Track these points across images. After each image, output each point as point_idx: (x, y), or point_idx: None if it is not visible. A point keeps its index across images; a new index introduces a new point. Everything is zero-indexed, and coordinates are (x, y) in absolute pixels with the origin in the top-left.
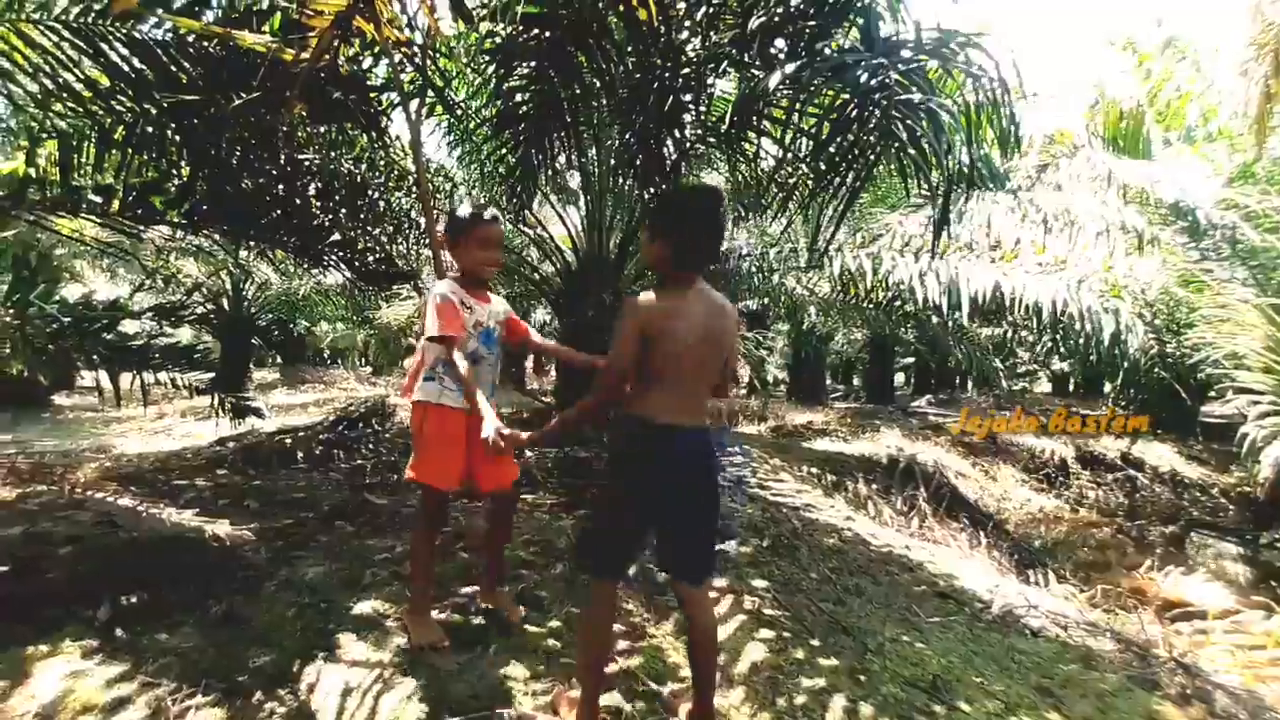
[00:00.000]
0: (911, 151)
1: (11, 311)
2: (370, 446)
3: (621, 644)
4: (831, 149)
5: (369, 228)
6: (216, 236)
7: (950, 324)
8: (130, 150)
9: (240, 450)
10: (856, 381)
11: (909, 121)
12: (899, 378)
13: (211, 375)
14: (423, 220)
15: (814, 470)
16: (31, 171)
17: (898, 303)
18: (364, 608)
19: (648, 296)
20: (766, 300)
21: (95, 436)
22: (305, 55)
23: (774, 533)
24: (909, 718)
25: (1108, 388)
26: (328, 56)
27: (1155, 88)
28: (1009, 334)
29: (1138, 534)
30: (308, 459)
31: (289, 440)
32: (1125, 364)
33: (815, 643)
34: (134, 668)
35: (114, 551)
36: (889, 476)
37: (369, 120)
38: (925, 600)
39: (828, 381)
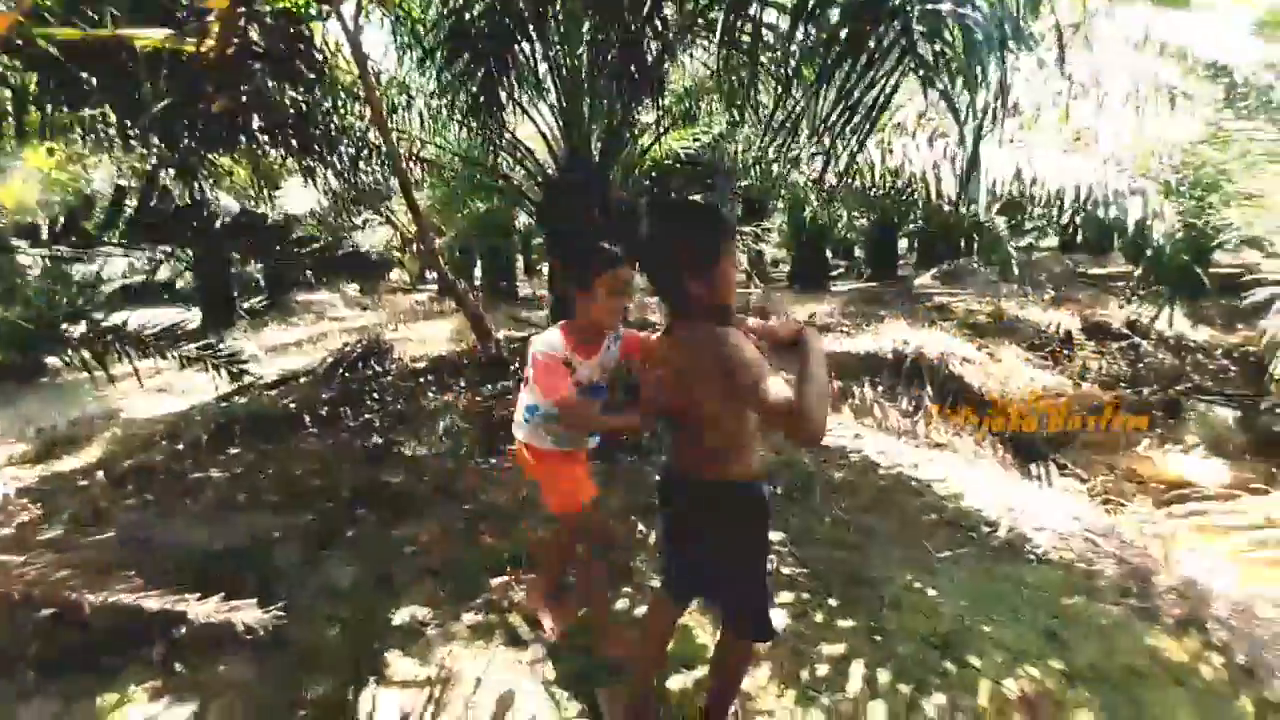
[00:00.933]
0: (939, 84)
1: None
2: (374, 396)
3: None
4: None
5: (325, 154)
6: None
7: (965, 214)
8: None
9: (247, 420)
10: (859, 253)
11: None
12: (902, 243)
13: (197, 316)
14: (381, 140)
15: None
16: None
17: (909, 192)
18: (403, 616)
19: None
20: (765, 191)
21: (99, 400)
22: (208, 45)
23: (787, 477)
24: (924, 680)
25: (1118, 242)
26: (236, 40)
27: None
28: (1023, 215)
29: (1139, 406)
30: (315, 421)
31: (293, 403)
32: (1149, 251)
33: (833, 602)
34: (201, 710)
35: (150, 576)
36: (895, 375)
37: (304, 59)
38: (936, 532)
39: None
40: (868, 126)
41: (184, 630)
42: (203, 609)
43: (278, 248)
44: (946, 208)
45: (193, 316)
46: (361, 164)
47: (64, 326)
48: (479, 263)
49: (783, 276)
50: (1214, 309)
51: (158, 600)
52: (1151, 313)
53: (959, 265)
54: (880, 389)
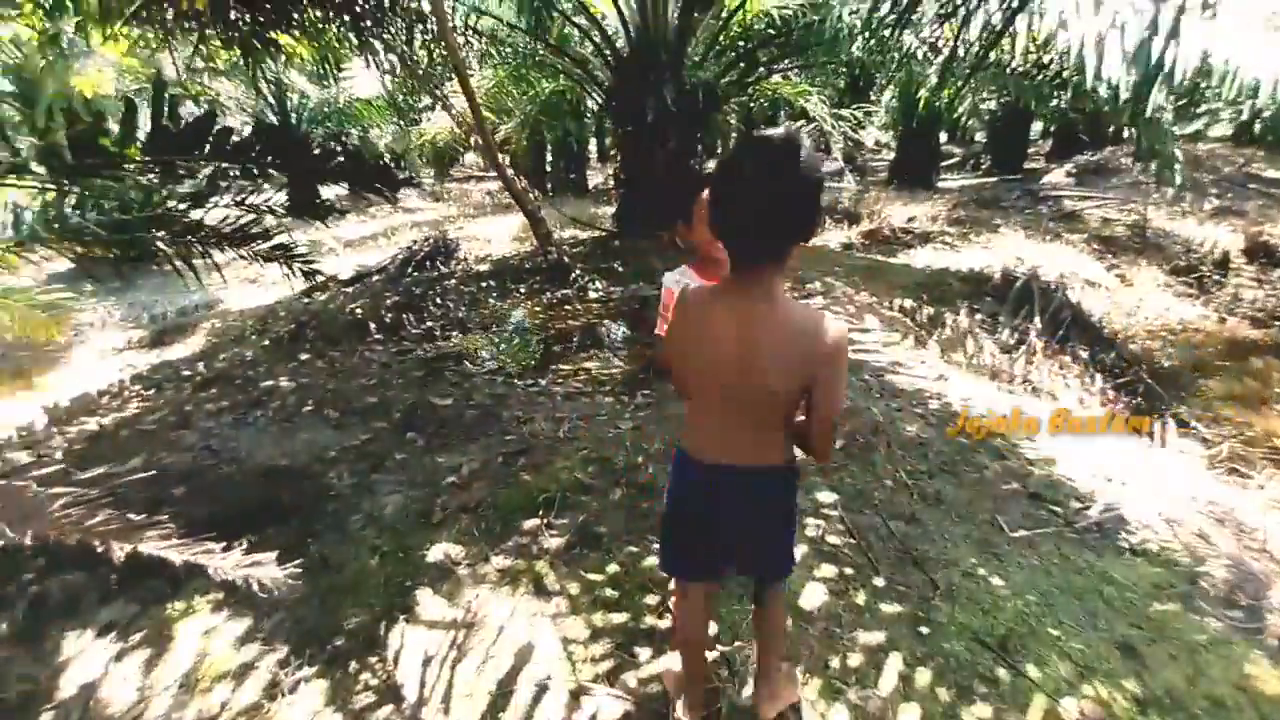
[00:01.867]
0: None
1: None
2: (437, 300)
3: None
4: None
5: (376, 28)
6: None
7: (1127, 101)
8: None
9: (319, 324)
10: (979, 140)
11: None
12: (1035, 126)
13: (286, 202)
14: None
15: (908, 303)
16: None
17: (1059, 71)
18: (436, 554)
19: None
20: (870, 64)
21: (203, 289)
22: None
23: (849, 429)
24: (968, 686)
25: None
26: None
27: None
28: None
29: None
30: (380, 327)
31: (360, 309)
32: None
33: (879, 582)
34: (253, 627)
35: (221, 490)
36: (1000, 300)
37: None
38: (1013, 504)
39: (942, 145)
40: None
41: (244, 543)
42: (224, 563)
43: (293, 163)
44: (1104, 92)
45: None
46: (416, 39)
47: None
48: (548, 150)
49: (883, 166)
50: None
51: (180, 552)
52: None
53: (1101, 160)
54: (979, 317)
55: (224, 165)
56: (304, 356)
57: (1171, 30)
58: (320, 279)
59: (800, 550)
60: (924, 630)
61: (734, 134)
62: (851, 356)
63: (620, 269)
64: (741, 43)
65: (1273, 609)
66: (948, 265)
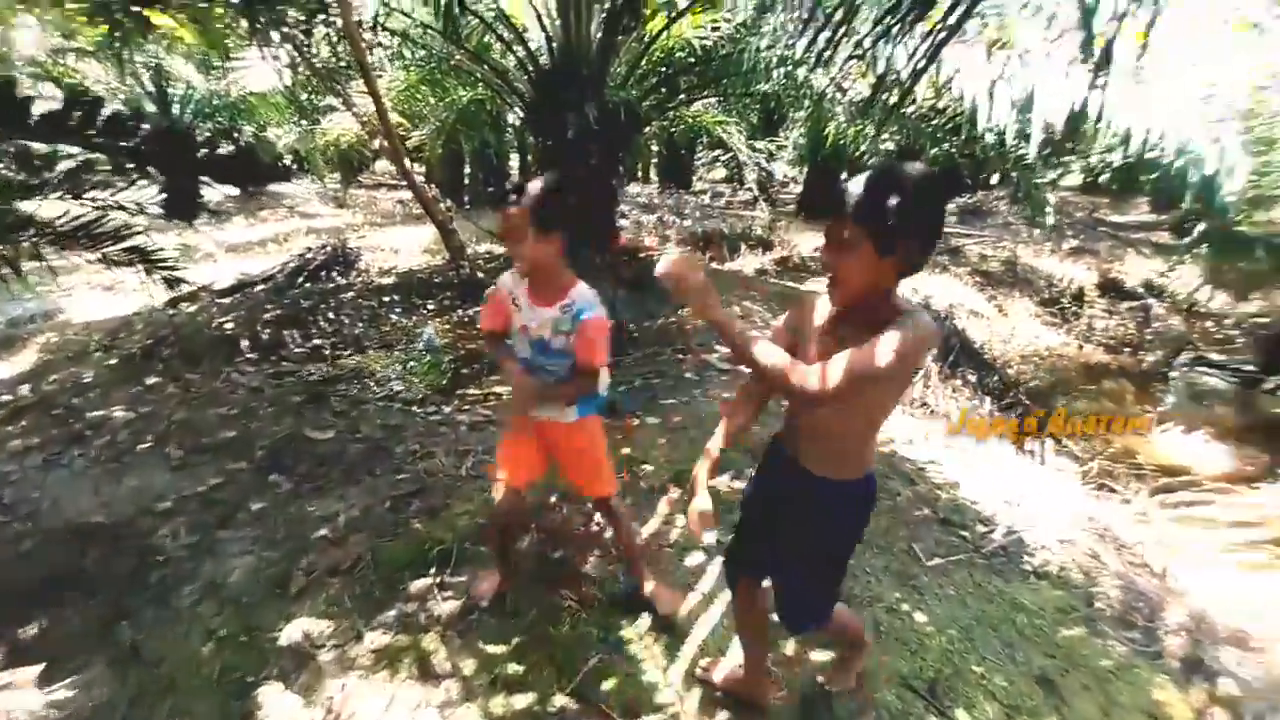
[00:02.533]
0: None
1: None
2: (330, 315)
3: (594, 659)
4: None
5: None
6: None
7: (1009, 148)
8: None
9: (179, 340)
10: None
11: None
12: None
13: (163, 196)
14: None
15: None
16: None
17: (953, 117)
18: (292, 634)
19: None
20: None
21: (41, 297)
22: None
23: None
24: None
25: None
26: None
27: None
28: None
29: (1140, 377)
30: (254, 345)
31: (233, 324)
32: (1209, 213)
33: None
34: None
35: (14, 559)
36: None
37: None
38: (925, 530)
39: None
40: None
41: (33, 631)
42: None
43: (173, 157)
44: (991, 138)
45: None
46: (318, 30)
47: None
48: (465, 161)
49: (791, 199)
50: (1231, 271)
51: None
52: (1170, 271)
53: (977, 202)
54: None
55: (91, 156)
56: (152, 380)
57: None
58: (188, 288)
59: (726, 596)
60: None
61: (654, 158)
62: None
63: None
64: (663, 68)
65: (1167, 629)
66: None
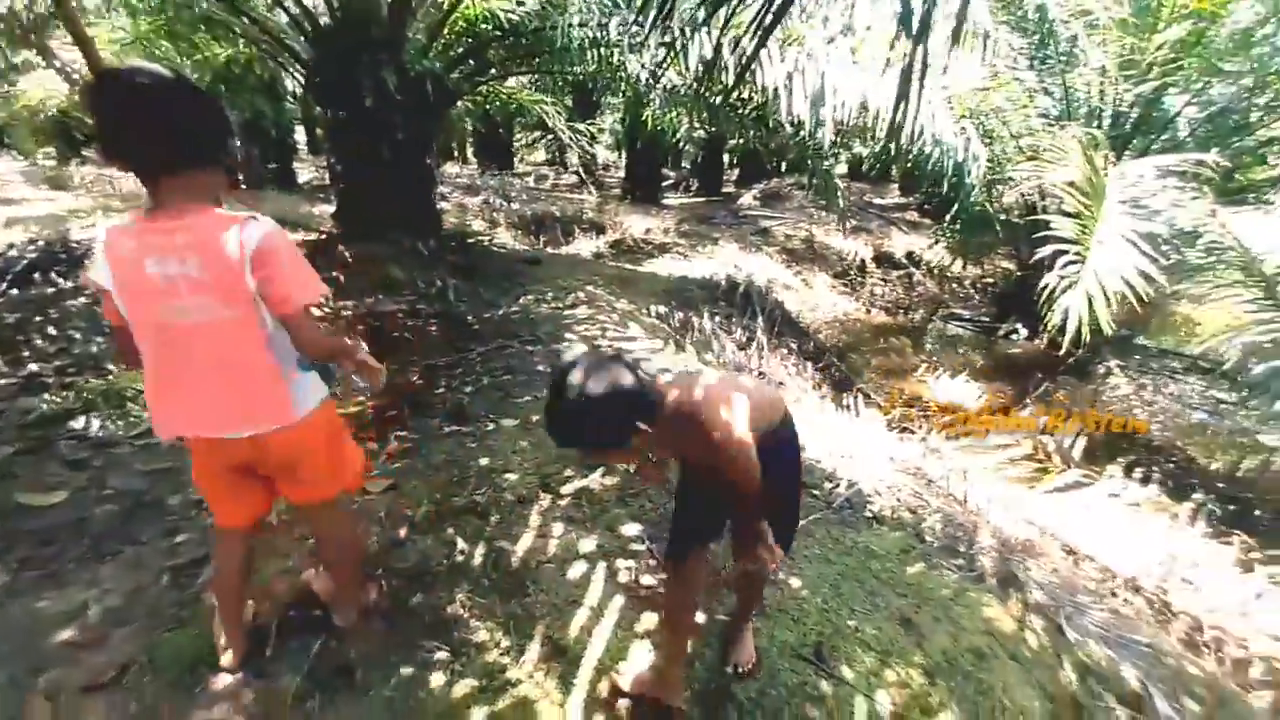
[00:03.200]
0: None
1: None
2: (52, 329)
3: (477, 717)
4: None
5: None
6: None
7: (807, 139)
8: None
9: None
10: (685, 165)
11: None
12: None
13: None
14: None
15: (662, 310)
16: None
17: (756, 106)
18: None
19: None
20: (600, 81)
21: None
22: None
23: None
24: (800, 711)
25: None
26: None
27: None
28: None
29: (913, 333)
30: None
31: None
32: (961, 192)
33: (700, 617)
34: None
35: None
36: (729, 303)
37: None
38: None
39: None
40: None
41: None
42: None
43: None
44: (789, 127)
45: None
46: None
47: None
48: (237, 134)
49: (614, 183)
50: (970, 243)
51: None
52: (935, 245)
53: (776, 187)
54: (718, 319)
55: None
56: None
57: (902, 85)
58: None
59: (616, 602)
60: None
61: (470, 137)
62: None
63: (343, 279)
64: (468, 39)
65: (981, 551)
66: (685, 273)
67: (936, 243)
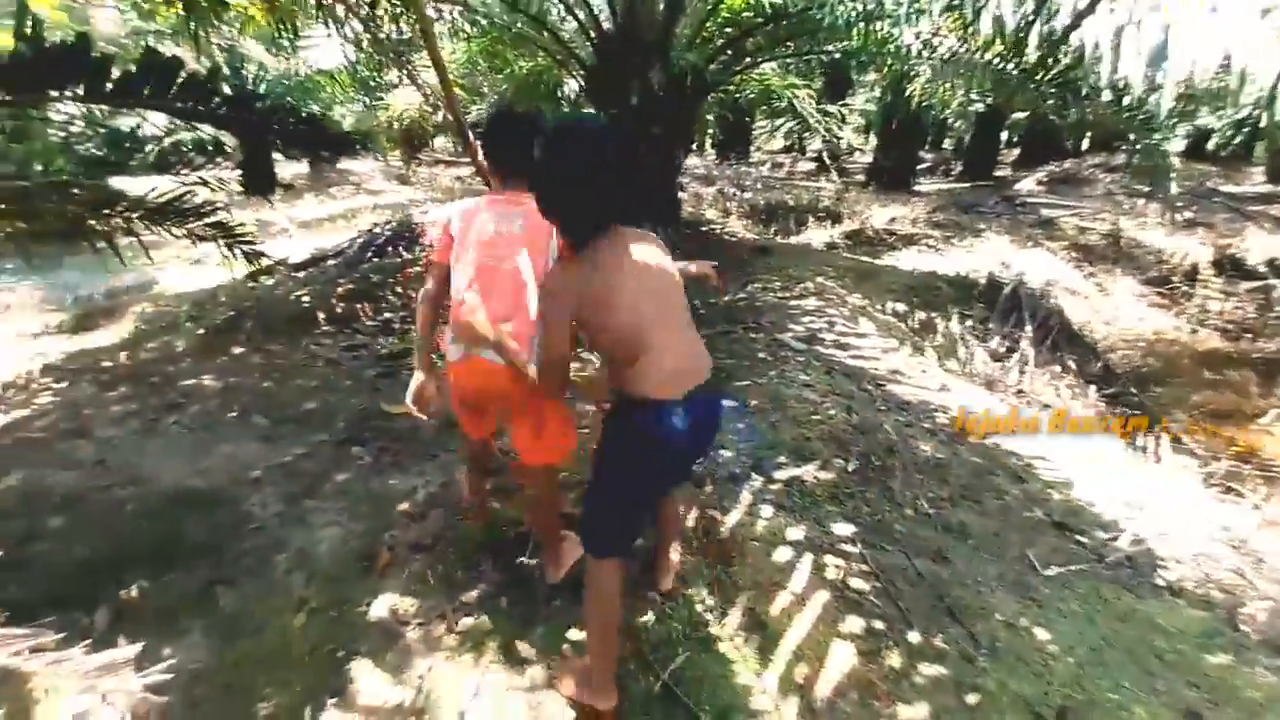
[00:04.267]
0: None
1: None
2: (398, 289)
3: (681, 656)
4: None
5: None
6: None
7: (1133, 107)
8: None
9: (260, 312)
10: (947, 144)
11: None
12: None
13: (239, 173)
14: None
15: (899, 308)
16: None
17: (1069, 72)
18: (379, 609)
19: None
20: (854, 58)
21: (138, 269)
22: None
23: (863, 449)
24: None
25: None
26: None
27: None
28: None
29: (1263, 366)
30: (330, 318)
31: (308, 297)
32: None
33: (914, 638)
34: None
35: (111, 520)
36: (988, 305)
37: None
38: (1040, 536)
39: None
40: None
41: (134, 593)
42: (56, 673)
43: (223, 111)
44: (1108, 96)
45: (230, 185)
46: (382, 2)
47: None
48: None
49: (857, 169)
50: None
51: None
52: None
53: (1070, 170)
54: (970, 323)
55: (177, 138)
56: (237, 350)
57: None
58: (266, 262)
59: (820, 596)
60: (971, 699)
61: (710, 128)
62: (850, 363)
63: None
64: (729, 29)
65: None
66: (934, 269)
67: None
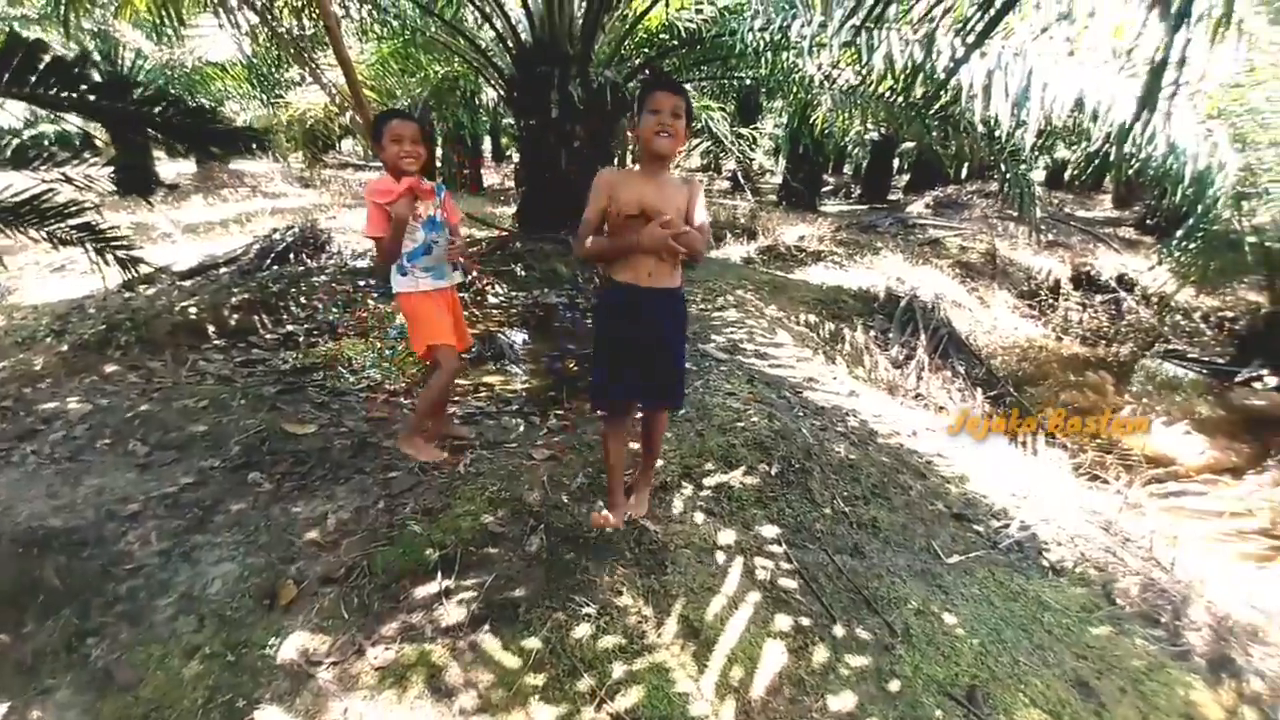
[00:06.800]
0: None
1: None
2: (301, 300)
3: (618, 670)
4: None
5: None
6: None
7: (1002, 142)
8: None
9: (136, 325)
10: (848, 169)
11: None
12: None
13: (110, 171)
14: None
15: (811, 319)
16: None
17: (943, 105)
18: (288, 649)
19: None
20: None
21: None
22: None
23: (784, 453)
24: None
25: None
26: None
27: None
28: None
29: (1117, 369)
30: (222, 331)
31: (198, 308)
32: (1199, 209)
33: (838, 631)
34: None
35: None
36: (888, 317)
37: None
38: (942, 527)
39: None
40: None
41: None
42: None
43: (92, 100)
44: (982, 130)
45: (101, 183)
46: None
47: None
48: (438, 142)
49: (769, 188)
50: (1201, 266)
51: None
52: (1159, 264)
53: (952, 195)
54: (873, 333)
55: (37, 132)
56: (109, 369)
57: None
58: (145, 269)
59: (752, 598)
60: (892, 687)
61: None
62: (770, 372)
63: (522, 273)
64: (646, 49)
65: (1191, 626)
66: (840, 283)
67: (1158, 265)
